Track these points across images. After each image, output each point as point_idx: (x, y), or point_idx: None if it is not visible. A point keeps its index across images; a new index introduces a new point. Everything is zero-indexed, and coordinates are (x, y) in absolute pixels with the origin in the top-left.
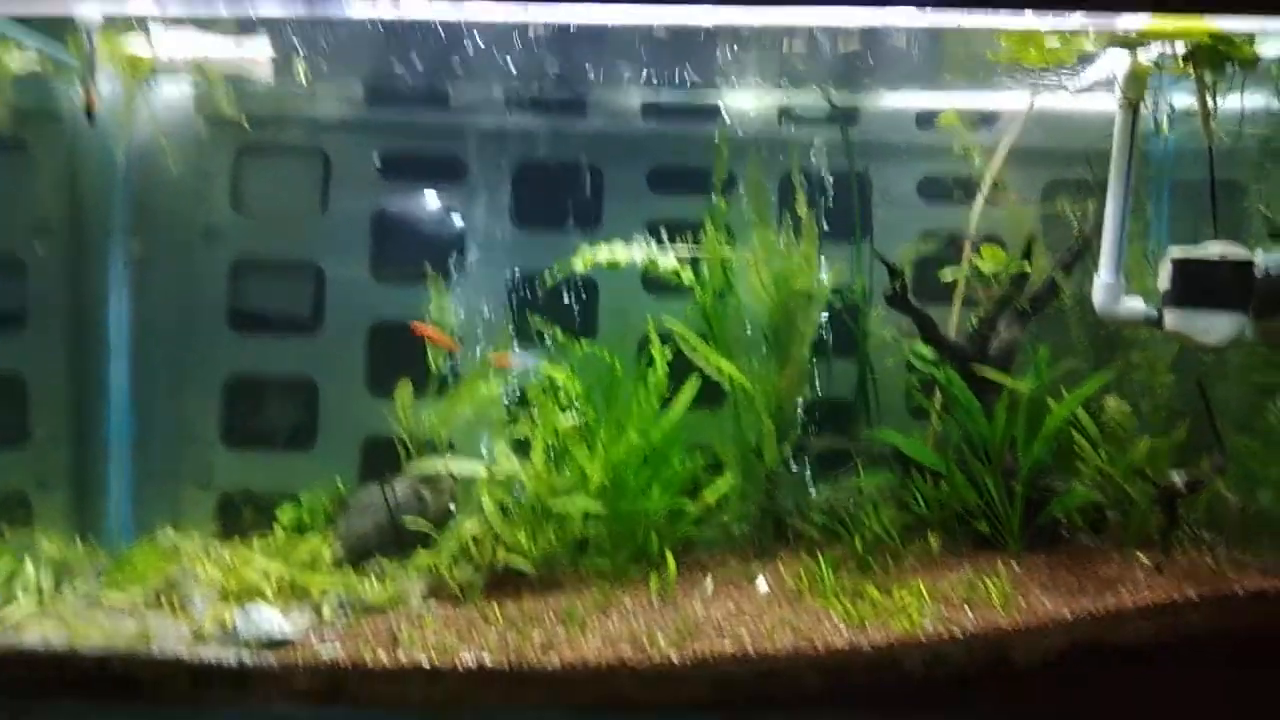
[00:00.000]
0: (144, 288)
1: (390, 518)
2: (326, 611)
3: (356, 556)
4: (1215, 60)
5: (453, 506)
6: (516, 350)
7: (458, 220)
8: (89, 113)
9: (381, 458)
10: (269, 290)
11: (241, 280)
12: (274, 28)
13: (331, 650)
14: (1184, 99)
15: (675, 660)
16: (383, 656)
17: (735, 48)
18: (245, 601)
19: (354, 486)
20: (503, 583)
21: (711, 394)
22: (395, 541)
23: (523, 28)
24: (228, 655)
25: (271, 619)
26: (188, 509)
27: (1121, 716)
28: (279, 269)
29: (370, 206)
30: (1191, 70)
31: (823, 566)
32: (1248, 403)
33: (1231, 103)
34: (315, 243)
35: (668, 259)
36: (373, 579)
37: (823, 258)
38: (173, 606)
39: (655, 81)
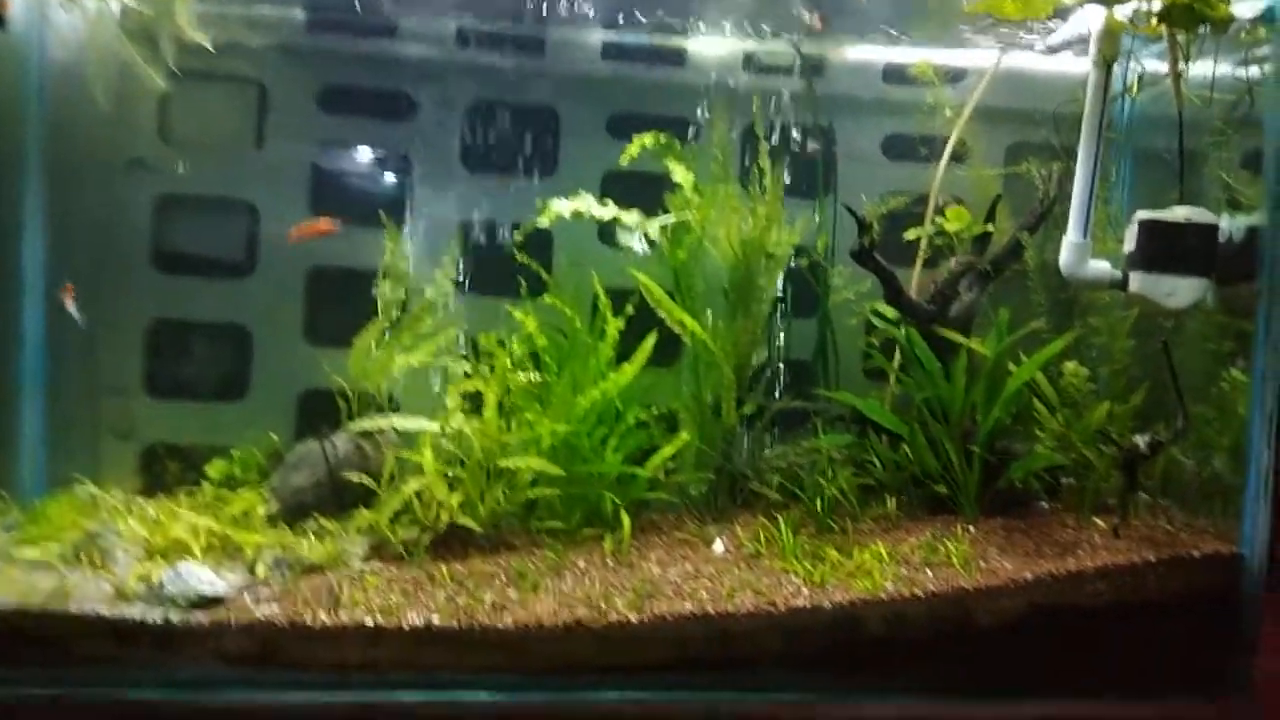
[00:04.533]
0: (61, 222)
1: (330, 473)
2: (261, 570)
3: (293, 514)
4: (1190, 19)
5: (397, 463)
6: None
7: (404, 161)
8: (1, 16)
9: (320, 411)
10: (198, 229)
11: (168, 217)
12: None
13: (267, 609)
14: (1150, 65)
15: (634, 621)
16: (322, 616)
17: None
18: (172, 558)
19: (290, 441)
20: (449, 542)
21: (665, 352)
22: (335, 499)
23: None
24: (154, 613)
25: (202, 576)
26: (108, 462)
27: (1079, 675)
28: (209, 206)
29: (310, 143)
30: (1164, 31)
31: (782, 528)
32: (1202, 370)
33: (1196, 70)
34: (249, 179)
35: (633, 213)
36: (311, 537)
37: (785, 214)
38: (93, 562)
39: (618, 21)
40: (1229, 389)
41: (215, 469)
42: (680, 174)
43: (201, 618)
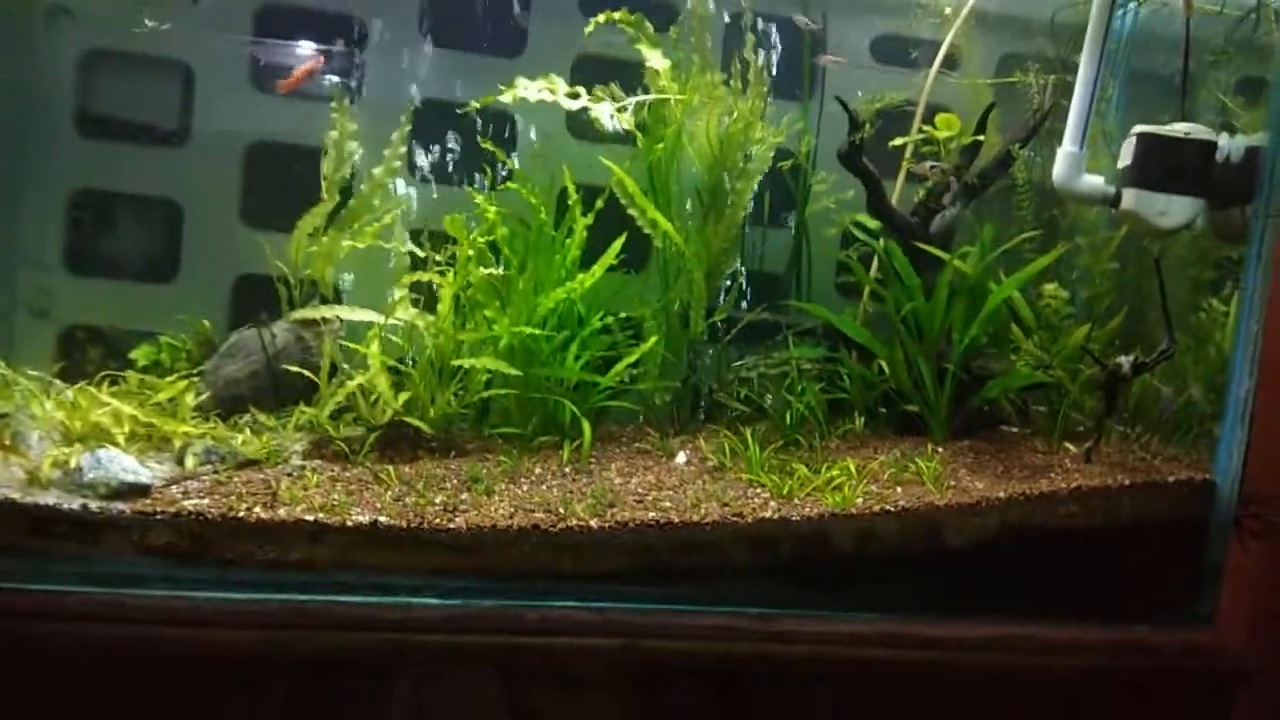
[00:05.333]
0: None
1: (267, 364)
2: (190, 461)
3: (226, 406)
4: None
5: (342, 357)
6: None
7: (359, 26)
8: None
9: (256, 298)
10: (127, 90)
11: (93, 75)
12: None
13: (197, 502)
14: None
15: (594, 527)
16: (258, 511)
17: None
18: (92, 445)
19: (223, 329)
20: (397, 444)
21: (632, 257)
22: (272, 392)
23: None
24: (71, 501)
25: (125, 463)
26: (22, 342)
27: (1045, 597)
28: (139, 64)
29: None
30: None
31: (750, 440)
32: (1183, 299)
33: None
34: (183, 37)
35: (604, 103)
36: (246, 431)
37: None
38: (3, 445)
39: None
40: (1207, 318)
41: (142, 354)
42: (656, 59)
43: (124, 507)
